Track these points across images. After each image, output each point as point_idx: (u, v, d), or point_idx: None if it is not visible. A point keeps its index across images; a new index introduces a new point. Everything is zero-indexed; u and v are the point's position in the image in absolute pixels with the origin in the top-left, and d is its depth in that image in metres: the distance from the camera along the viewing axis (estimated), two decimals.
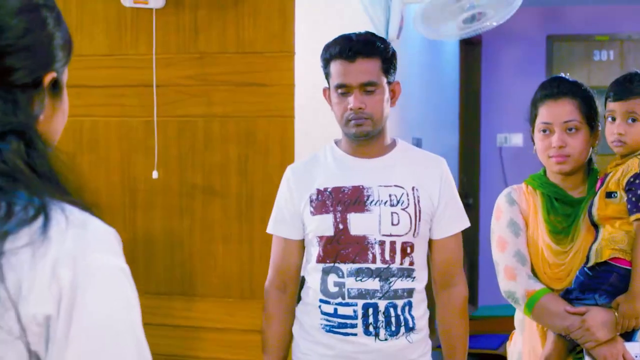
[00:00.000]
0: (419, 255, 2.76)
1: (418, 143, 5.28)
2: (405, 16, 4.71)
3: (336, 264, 2.72)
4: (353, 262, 2.70)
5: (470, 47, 7.57)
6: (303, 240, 2.84)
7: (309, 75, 3.57)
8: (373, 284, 2.69)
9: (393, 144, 2.85)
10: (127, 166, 3.69)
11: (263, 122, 3.53)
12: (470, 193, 7.57)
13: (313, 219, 2.76)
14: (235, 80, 3.55)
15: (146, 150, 3.64)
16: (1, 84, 1.17)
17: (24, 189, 1.12)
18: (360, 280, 2.69)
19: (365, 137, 2.74)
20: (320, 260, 2.75)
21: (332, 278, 2.73)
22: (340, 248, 2.71)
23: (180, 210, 3.64)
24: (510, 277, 2.74)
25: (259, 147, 3.55)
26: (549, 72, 7.66)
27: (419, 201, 2.74)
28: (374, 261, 2.69)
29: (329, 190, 2.76)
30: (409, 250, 2.73)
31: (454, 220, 2.82)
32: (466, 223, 2.86)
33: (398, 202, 2.73)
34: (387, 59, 2.75)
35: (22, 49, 1.19)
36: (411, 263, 2.73)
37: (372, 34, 2.79)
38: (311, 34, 3.65)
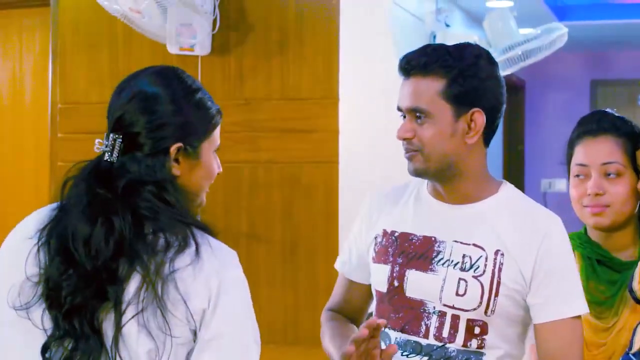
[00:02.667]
0: (499, 339, 2.05)
1: None
2: None
3: (386, 330, 2.09)
4: (402, 330, 2.08)
5: (514, 92, 7.55)
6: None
7: (353, 121, 3.58)
8: None
9: (494, 188, 2.11)
10: None
11: (308, 168, 3.55)
12: None
13: (373, 268, 2.16)
14: (280, 127, 3.58)
15: None
16: (140, 153, 1.71)
17: (168, 220, 1.64)
18: (406, 356, 2.07)
19: (420, 176, 2.10)
20: None
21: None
22: (391, 310, 2.10)
23: None
24: None
25: (304, 193, 3.56)
26: None
27: (500, 270, 2.02)
28: (425, 335, 2.05)
29: (396, 234, 2.12)
30: (477, 330, 2.03)
31: (560, 300, 2.02)
32: (581, 307, 2.05)
33: (471, 267, 2.03)
34: (458, 80, 2.02)
35: (147, 130, 1.70)
36: (481, 346, 2.03)
37: (459, 45, 2.09)
38: (355, 80, 3.66)
